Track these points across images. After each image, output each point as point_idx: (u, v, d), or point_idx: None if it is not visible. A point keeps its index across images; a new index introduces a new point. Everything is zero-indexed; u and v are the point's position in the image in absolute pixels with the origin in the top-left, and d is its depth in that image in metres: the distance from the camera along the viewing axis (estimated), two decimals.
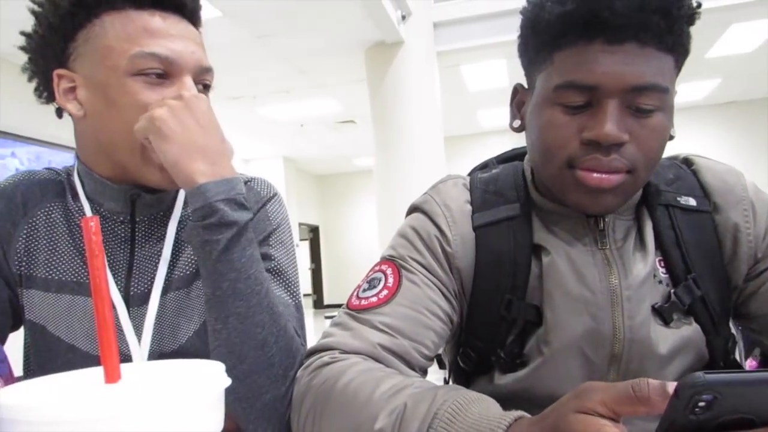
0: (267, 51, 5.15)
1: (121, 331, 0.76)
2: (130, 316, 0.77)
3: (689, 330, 0.74)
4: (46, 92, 0.78)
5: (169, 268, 0.79)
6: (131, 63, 0.71)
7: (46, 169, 0.86)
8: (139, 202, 0.79)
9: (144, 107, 0.71)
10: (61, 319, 0.78)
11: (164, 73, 0.73)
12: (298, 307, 0.81)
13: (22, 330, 0.83)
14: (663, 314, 0.73)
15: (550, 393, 0.74)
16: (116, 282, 0.78)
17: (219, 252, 0.67)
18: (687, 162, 0.82)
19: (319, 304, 12.59)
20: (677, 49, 0.67)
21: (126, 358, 0.75)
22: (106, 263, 0.77)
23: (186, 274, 0.80)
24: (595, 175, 0.67)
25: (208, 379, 0.36)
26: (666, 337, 0.73)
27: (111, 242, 0.79)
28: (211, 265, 0.67)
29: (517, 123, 0.80)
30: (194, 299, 0.80)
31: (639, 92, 0.65)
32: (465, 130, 8.86)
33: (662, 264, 0.76)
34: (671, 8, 0.64)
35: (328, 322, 0.78)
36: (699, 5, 0.67)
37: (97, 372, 0.36)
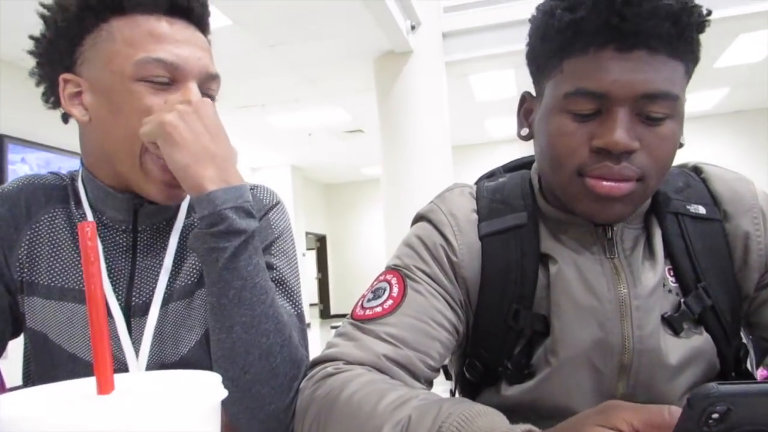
0: (276, 60, 5.18)
1: (119, 341, 0.75)
2: (132, 326, 0.76)
3: (700, 340, 0.73)
4: (53, 97, 0.78)
5: (170, 278, 0.78)
6: (136, 68, 0.70)
7: (51, 173, 0.85)
8: (141, 211, 0.78)
9: (148, 113, 0.71)
10: (62, 327, 0.77)
11: (170, 79, 0.72)
12: (301, 318, 0.80)
13: (21, 338, 0.82)
14: (673, 324, 0.72)
15: (559, 404, 0.73)
16: (117, 292, 0.77)
17: (226, 260, 0.66)
18: (696, 170, 0.82)
19: (325, 313, 12.58)
20: (688, 56, 0.66)
21: (125, 368, 0.74)
22: (106, 273, 0.77)
23: (188, 284, 0.79)
24: (605, 183, 0.66)
25: (202, 391, 0.35)
26: (676, 348, 0.72)
27: (112, 251, 0.79)
28: (216, 273, 0.67)
29: (525, 131, 0.79)
30: (196, 309, 0.79)
31: (649, 100, 0.65)
32: (473, 139, 8.87)
33: (672, 273, 0.75)
34: (682, 15, 0.63)
35: (334, 332, 0.77)
36: (709, 12, 0.67)
37: (90, 382, 0.35)
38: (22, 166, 4.46)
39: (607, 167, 0.66)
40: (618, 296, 0.72)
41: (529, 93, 0.80)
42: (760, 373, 0.99)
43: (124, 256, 0.79)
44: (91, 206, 0.79)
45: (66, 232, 0.79)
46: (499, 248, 0.77)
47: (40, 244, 0.78)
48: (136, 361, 0.74)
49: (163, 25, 0.73)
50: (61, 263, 0.78)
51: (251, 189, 0.86)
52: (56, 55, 0.75)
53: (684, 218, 0.75)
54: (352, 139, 8.43)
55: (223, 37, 4.45)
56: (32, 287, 0.78)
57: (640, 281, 0.72)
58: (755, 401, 0.36)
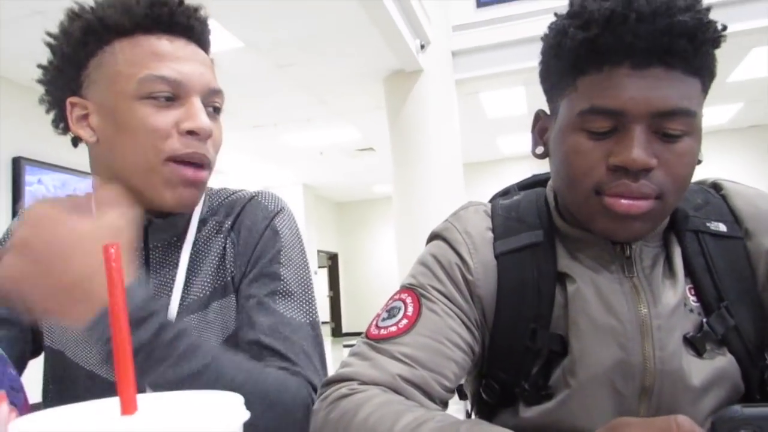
0: (288, 80, 5.24)
1: None
2: None
3: (723, 361, 0.71)
4: (62, 123, 0.79)
5: (183, 293, 0.79)
6: (139, 86, 0.72)
7: (68, 196, 0.87)
8: (151, 228, 0.79)
9: (153, 130, 0.72)
10: (79, 345, 0.78)
11: (173, 95, 0.74)
12: (314, 325, 0.79)
13: (41, 357, 0.82)
14: (695, 344, 0.71)
15: (578, 427, 0.71)
16: None
17: (139, 376, 0.61)
18: (716, 186, 0.80)
19: (337, 332, 12.52)
20: (704, 72, 0.66)
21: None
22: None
23: (201, 298, 0.80)
24: (623, 201, 0.66)
25: (226, 412, 0.35)
26: (699, 369, 0.70)
27: (126, 270, 0.79)
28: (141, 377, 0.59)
29: (540, 149, 0.79)
30: (211, 321, 0.79)
31: (666, 117, 0.64)
32: (484, 156, 8.88)
33: (692, 292, 0.73)
34: (697, 31, 0.63)
35: (347, 350, 0.76)
36: (725, 28, 0.66)
37: (113, 403, 0.36)
38: (38, 187, 4.52)
39: (625, 185, 0.65)
40: (638, 316, 0.70)
41: (543, 111, 0.79)
42: None
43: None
44: None
45: None
46: (515, 267, 0.76)
47: None
48: None
49: (164, 43, 0.74)
50: None
51: (255, 195, 0.86)
52: (63, 81, 0.77)
53: (704, 236, 0.74)
54: (363, 158, 8.47)
55: (237, 59, 4.51)
56: None
57: (660, 300, 0.71)
58: None
